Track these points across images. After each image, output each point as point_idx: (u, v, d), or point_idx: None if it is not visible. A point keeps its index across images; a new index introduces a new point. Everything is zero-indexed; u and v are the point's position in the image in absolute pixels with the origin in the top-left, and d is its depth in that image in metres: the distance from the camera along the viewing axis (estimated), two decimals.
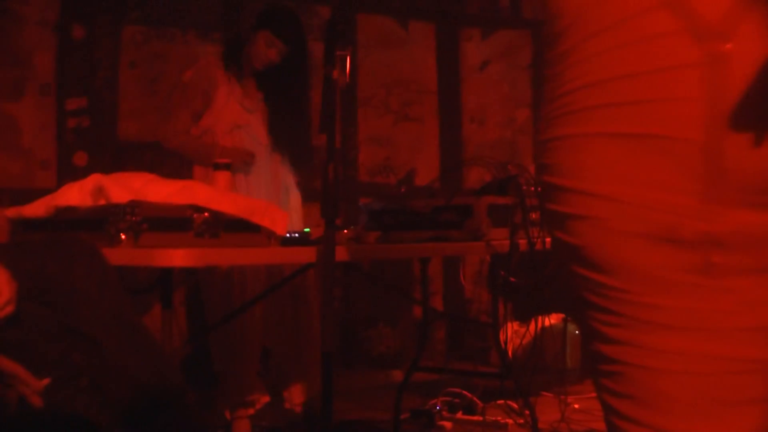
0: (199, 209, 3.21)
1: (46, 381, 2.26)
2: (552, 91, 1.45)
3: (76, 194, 3.17)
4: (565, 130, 1.42)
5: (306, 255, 3.39)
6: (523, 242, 3.95)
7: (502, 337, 4.36)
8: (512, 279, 4.03)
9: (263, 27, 4.58)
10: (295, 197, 4.86)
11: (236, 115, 4.62)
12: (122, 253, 2.96)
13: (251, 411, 4.42)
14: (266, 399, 4.48)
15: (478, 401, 4.68)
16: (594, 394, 1.46)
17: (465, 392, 4.71)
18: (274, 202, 4.38)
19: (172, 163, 4.82)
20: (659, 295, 1.33)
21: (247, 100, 4.66)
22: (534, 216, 3.95)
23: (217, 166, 3.87)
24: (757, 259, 1.31)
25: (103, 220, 3.04)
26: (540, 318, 4.48)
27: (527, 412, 4.18)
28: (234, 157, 4.45)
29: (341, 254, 3.37)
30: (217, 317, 4.32)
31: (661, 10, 1.31)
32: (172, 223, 3.14)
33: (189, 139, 4.60)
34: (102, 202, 3.10)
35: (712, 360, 1.32)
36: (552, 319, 4.90)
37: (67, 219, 3.19)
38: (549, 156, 1.45)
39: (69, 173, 5.38)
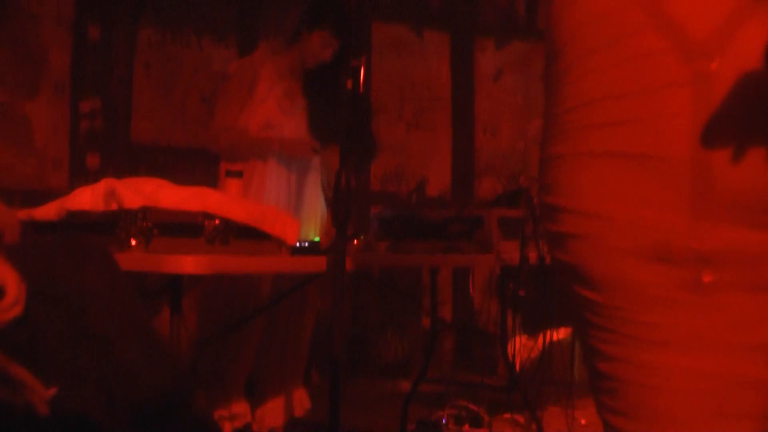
0: (210, 216, 3.21)
1: (52, 391, 2.26)
2: (550, 108, 1.47)
3: (87, 198, 3.16)
4: (561, 149, 1.44)
5: (316, 264, 3.38)
6: (533, 255, 3.94)
7: (510, 350, 4.36)
8: (521, 292, 4.03)
9: (321, 26, 4.45)
10: (318, 205, 4.71)
11: (271, 114, 4.48)
12: (133, 258, 2.95)
13: (238, 424, 4.35)
14: (249, 417, 4.43)
15: (484, 414, 4.67)
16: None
17: (471, 405, 4.70)
18: (294, 208, 4.36)
19: (185, 166, 4.80)
20: (652, 313, 1.34)
21: (285, 101, 4.52)
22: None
23: (228, 173, 3.86)
24: (749, 276, 1.32)
25: (114, 225, 3.04)
26: (548, 331, 4.47)
27: (534, 426, 4.18)
28: (297, 149, 4.43)
29: (351, 263, 3.37)
30: (216, 323, 4.28)
31: (651, 30, 1.33)
32: (183, 229, 3.14)
33: (240, 135, 4.44)
34: (114, 206, 3.10)
35: (706, 377, 1.33)
36: (560, 333, 4.89)
37: (78, 223, 3.20)
38: (547, 175, 1.48)
39: (81, 174, 5.40)
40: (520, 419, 4.63)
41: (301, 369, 4.61)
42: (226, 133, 4.42)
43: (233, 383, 4.36)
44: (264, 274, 4.26)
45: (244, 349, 4.37)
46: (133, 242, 3.00)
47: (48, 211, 3.24)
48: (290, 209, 4.38)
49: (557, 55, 1.47)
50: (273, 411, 4.46)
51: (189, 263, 2.99)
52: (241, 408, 4.36)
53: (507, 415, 4.68)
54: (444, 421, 4.63)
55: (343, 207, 3.16)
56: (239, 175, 3.84)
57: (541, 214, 1.55)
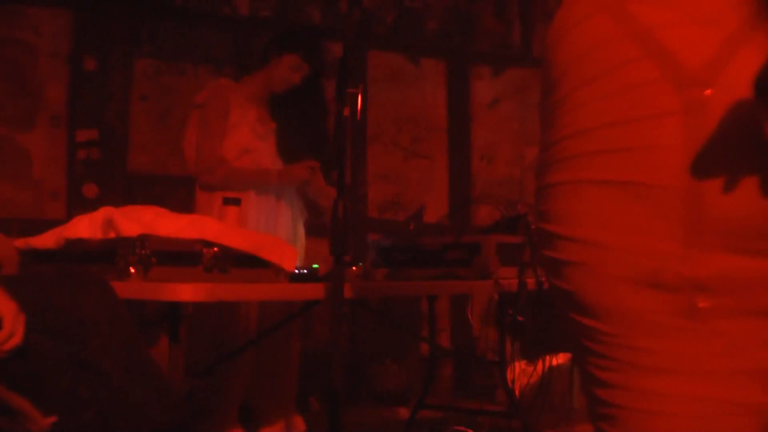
0: (209, 244, 3.21)
1: (51, 419, 2.26)
2: (547, 138, 1.48)
3: (86, 227, 3.17)
4: (557, 177, 1.44)
5: (314, 291, 3.38)
6: (531, 281, 3.94)
7: (509, 376, 4.35)
8: (520, 318, 4.03)
9: (291, 50, 4.50)
10: (300, 230, 4.74)
11: (246, 140, 4.48)
12: (131, 287, 2.95)
13: None
14: None
15: None
16: None
17: (471, 431, 4.68)
18: (277, 233, 4.36)
19: (181, 195, 4.78)
20: (648, 339, 1.35)
21: (259, 126, 4.53)
22: None
23: (226, 201, 3.85)
24: (743, 302, 1.32)
25: (112, 253, 3.04)
26: (547, 357, 4.46)
27: None
28: (296, 175, 4.44)
29: (349, 291, 3.37)
30: (205, 353, 4.25)
31: (645, 60, 1.34)
32: (182, 257, 3.14)
33: (234, 168, 4.43)
34: (112, 235, 3.10)
35: (701, 402, 1.33)
36: (559, 359, 4.88)
37: (76, 251, 3.20)
38: (543, 203, 1.49)
39: (79, 204, 5.39)
40: None
41: (293, 393, 4.59)
42: (217, 168, 4.40)
43: (227, 412, 4.34)
44: (258, 301, 4.25)
45: (236, 377, 4.35)
46: (132, 270, 3.00)
47: (46, 240, 3.24)
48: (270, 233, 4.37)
49: (553, 85, 1.48)
50: None
51: (187, 291, 2.98)
52: None
53: None
54: None
55: (340, 234, 3.16)
56: (237, 202, 3.84)
57: (538, 241, 1.55)
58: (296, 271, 3.49)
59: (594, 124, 1.38)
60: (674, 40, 1.32)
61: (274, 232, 4.46)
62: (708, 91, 1.29)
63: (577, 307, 1.42)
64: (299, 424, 4.57)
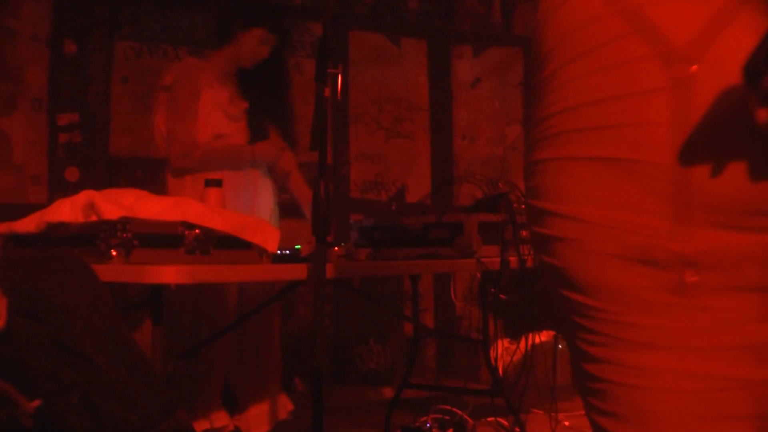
0: (191, 226, 3.21)
1: (36, 403, 2.27)
2: (536, 115, 1.48)
3: (67, 210, 3.16)
4: (545, 154, 1.45)
5: (297, 272, 3.39)
6: (513, 259, 3.95)
7: (492, 354, 4.37)
8: (503, 296, 4.04)
9: (257, 24, 4.47)
10: (274, 212, 4.71)
11: (219, 123, 4.43)
12: (113, 270, 2.95)
13: None
14: (231, 427, 4.39)
15: (468, 419, 4.67)
16: (584, 411, 1.48)
17: (455, 409, 4.70)
18: (252, 214, 4.34)
19: (163, 178, 4.77)
20: (637, 314, 1.35)
21: (231, 107, 4.48)
22: (524, 233, 3.95)
23: (208, 183, 3.84)
24: (732, 277, 1.32)
25: (94, 237, 3.04)
26: (530, 335, 4.48)
27: (518, 429, 4.18)
28: (270, 152, 4.43)
29: (332, 271, 3.37)
30: (184, 335, 4.26)
31: (633, 36, 1.34)
32: (163, 239, 3.14)
33: (210, 148, 4.39)
34: (93, 218, 3.10)
35: (692, 378, 1.33)
36: (542, 337, 4.90)
37: (58, 235, 3.19)
38: (532, 179, 1.49)
39: (60, 188, 5.39)
40: (504, 423, 4.63)
41: (278, 372, 4.59)
42: (196, 150, 4.36)
43: (210, 394, 4.34)
44: (239, 282, 4.25)
45: (218, 359, 4.36)
46: (114, 253, 3.00)
47: (28, 224, 3.24)
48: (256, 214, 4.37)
49: (542, 62, 1.48)
50: (257, 418, 4.44)
51: (169, 273, 2.98)
52: (221, 418, 4.34)
53: (491, 419, 4.68)
54: (428, 425, 4.63)
55: (322, 215, 3.17)
56: (218, 184, 3.82)
57: (527, 217, 1.56)
58: (278, 251, 3.49)
59: (582, 101, 1.39)
60: (662, 16, 1.32)
61: (254, 209, 4.46)
62: (694, 67, 1.29)
63: (567, 283, 1.42)
64: (286, 403, 4.57)
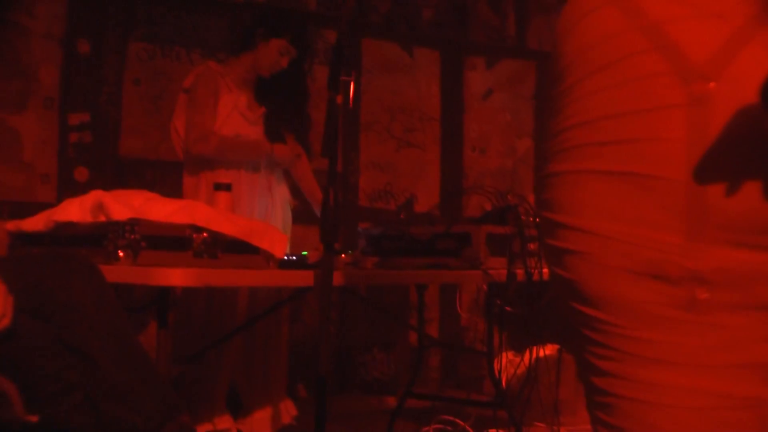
0: (199, 229, 3.20)
1: (35, 418, 2.27)
2: (553, 127, 1.48)
3: (76, 210, 3.16)
4: (562, 167, 1.45)
5: (304, 278, 3.38)
6: (520, 272, 3.94)
7: (496, 366, 4.36)
8: (508, 308, 4.03)
9: (279, 35, 4.50)
10: (286, 216, 4.76)
11: (238, 125, 4.49)
12: (120, 271, 2.95)
13: None
14: (234, 430, 4.40)
15: (470, 429, 4.66)
16: (586, 425, 1.47)
17: (458, 420, 4.69)
18: (267, 219, 4.36)
19: (173, 180, 4.77)
20: (647, 330, 1.35)
21: (249, 112, 4.54)
22: (532, 246, 3.94)
23: (217, 187, 3.84)
24: (744, 296, 1.32)
25: (102, 237, 3.04)
26: (535, 348, 4.47)
27: None
28: (286, 154, 4.46)
29: (339, 279, 3.37)
30: (193, 339, 4.26)
31: (652, 52, 1.34)
32: (171, 242, 3.14)
33: (228, 137, 4.43)
34: (102, 218, 3.09)
35: (700, 395, 1.33)
36: (547, 350, 4.89)
37: (66, 234, 3.19)
38: (547, 191, 1.48)
39: (69, 188, 5.39)
40: None
41: (284, 378, 4.60)
42: (211, 138, 4.38)
43: (215, 397, 4.34)
44: (249, 288, 4.26)
45: (223, 363, 4.36)
46: (121, 254, 2.99)
47: (36, 223, 3.24)
48: (270, 219, 4.40)
49: (560, 75, 1.48)
50: (261, 422, 4.45)
51: (176, 276, 2.98)
52: (225, 421, 4.34)
53: (493, 431, 4.67)
54: None
55: (331, 222, 3.16)
56: (228, 188, 3.83)
57: (540, 229, 1.55)
58: (285, 257, 3.49)
59: (599, 115, 1.39)
60: (682, 33, 1.32)
61: (266, 214, 4.48)
62: (712, 85, 1.29)
63: (578, 296, 1.42)
64: (291, 409, 4.58)
